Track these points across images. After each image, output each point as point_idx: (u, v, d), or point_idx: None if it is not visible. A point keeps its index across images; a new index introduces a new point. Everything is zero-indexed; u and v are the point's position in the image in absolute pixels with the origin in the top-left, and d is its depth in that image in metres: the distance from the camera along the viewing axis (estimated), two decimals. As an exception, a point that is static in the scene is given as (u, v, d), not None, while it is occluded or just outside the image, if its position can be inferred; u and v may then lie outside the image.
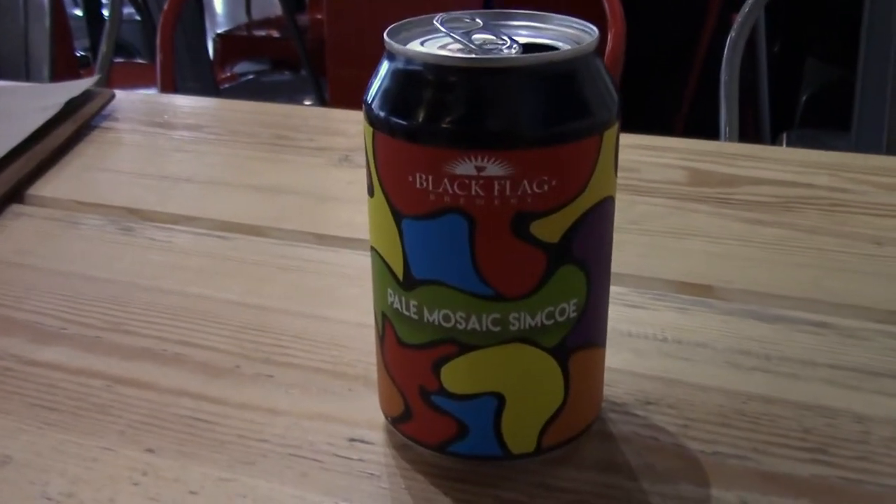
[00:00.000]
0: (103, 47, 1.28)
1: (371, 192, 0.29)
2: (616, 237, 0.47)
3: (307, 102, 2.05)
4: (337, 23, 1.16)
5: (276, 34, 2.73)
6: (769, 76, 1.46)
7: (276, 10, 2.22)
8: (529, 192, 0.26)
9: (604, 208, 0.28)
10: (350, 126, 0.65)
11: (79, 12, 2.89)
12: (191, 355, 0.38)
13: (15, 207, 0.53)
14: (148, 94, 0.75)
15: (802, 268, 0.45)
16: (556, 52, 0.27)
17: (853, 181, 0.54)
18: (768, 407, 0.34)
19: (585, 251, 0.28)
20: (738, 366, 0.37)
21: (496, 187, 0.26)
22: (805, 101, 2.21)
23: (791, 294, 0.42)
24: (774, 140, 1.70)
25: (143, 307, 0.42)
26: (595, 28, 0.28)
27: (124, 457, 0.32)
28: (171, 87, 1.07)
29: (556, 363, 0.29)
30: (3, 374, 0.37)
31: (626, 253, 0.46)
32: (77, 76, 1.99)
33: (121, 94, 0.71)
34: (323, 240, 0.48)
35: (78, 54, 2.42)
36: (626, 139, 0.63)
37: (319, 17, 2.21)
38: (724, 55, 0.99)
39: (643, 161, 0.57)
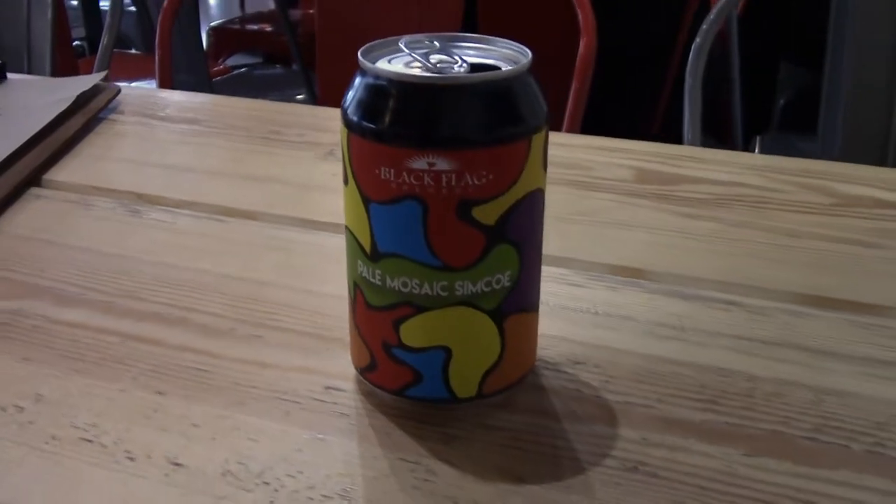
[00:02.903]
0: (104, 40, 1.34)
1: (346, 182, 0.36)
2: (566, 227, 0.54)
3: (298, 97, 2.11)
4: (327, 21, 1.22)
5: (268, 28, 2.79)
6: (744, 79, 1.53)
7: (269, 4, 2.28)
8: (471, 183, 0.33)
9: (533, 198, 0.35)
10: (336, 123, 0.71)
11: (75, 2, 2.94)
12: (193, 319, 0.44)
13: (34, 190, 0.59)
14: (150, 90, 0.81)
15: (724, 256, 0.51)
16: (495, 72, 0.34)
17: (780, 181, 0.60)
18: (675, 368, 0.41)
19: (517, 233, 0.35)
20: (656, 335, 0.43)
21: (444, 179, 0.33)
22: (782, 106, 2.28)
23: (710, 277, 0.49)
24: (748, 143, 1.77)
25: (151, 278, 0.48)
26: (529, 51, 0.35)
27: (138, 397, 0.39)
28: (168, 82, 1.13)
29: (493, 323, 0.36)
30: (33, 330, 0.44)
31: (573, 240, 0.53)
32: (75, 66, 2.05)
33: (125, 89, 0.77)
34: (308, 224, 0.55)
35: (74, 44, 2.47)
36: (583, 140, 0.70)
37: (311, 12, 2.27)
38: (689, 60, 1.06)
39: (596, 160, 0.64)
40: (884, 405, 0.38)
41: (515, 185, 0.34)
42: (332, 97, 1.20)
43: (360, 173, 0.34)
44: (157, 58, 1.12)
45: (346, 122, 0.35)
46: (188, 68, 1.92)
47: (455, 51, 0.36)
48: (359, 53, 0.35)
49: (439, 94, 0.33)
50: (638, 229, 0.55)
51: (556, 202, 0.57)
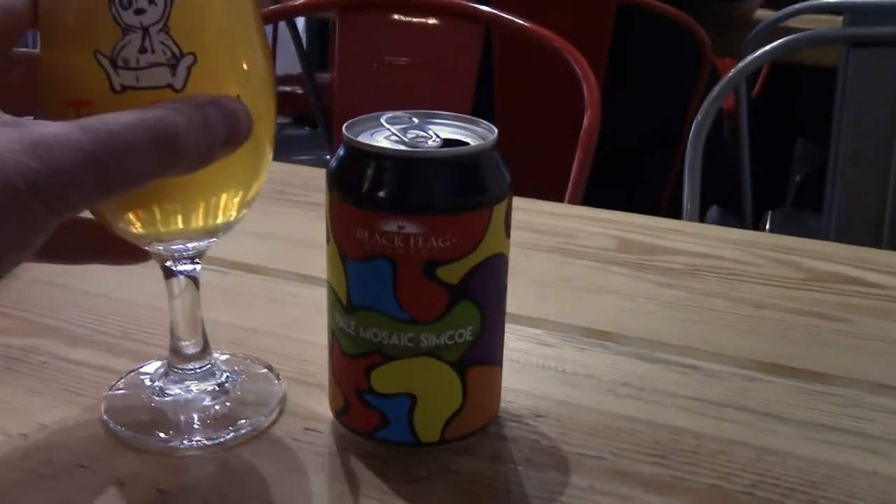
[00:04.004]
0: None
1: (328, 240, 0.40)
2: (545, 290, 0.57)
3: (327, 157, 2.18)
4: (345, 89, 1.28)
5: (298, 90, 2.88)
6: (760, 156, 1.57)
7: (299, 67, 2.36)
8: (436, 245, 0.37)
9: (495, 261, 0.39)
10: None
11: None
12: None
13: (54, 238, 0.64)
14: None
15: (691, 323, 0.55)
16: (462, 147, 0.38)
17: (755, 256, 0.64)
18: (631, 424, 0.44)
19: (479, 292, 0.38)
20: (616, 393, 0.46)
21: (412, 241, 0.37)
22: (797, 183, 2.31)
23: (674, 342, 0.52)
24: (759, 219, 1.80)
25: (153, 323, 0.52)
26: (495, 128, 0.39)
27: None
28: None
29: (455, 374, 0.39)
30: (41, 366, 0.47)
31: (550, 303, 0.56)
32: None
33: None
34: (305, 278, 0.59)
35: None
36: (573, 210, 0.74)
37: (338, 77, 2.33)
38: (689, 136, 1.10)
39: (583, 229, 0.68)
40: (820, 466, 0.41)
41: (477, 248, 0.38)
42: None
43: (339, 233, 0.38)
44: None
45: (329, 186, 0.39)
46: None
47: (431, 126, 0.40)
48: (343, 127, 0.39)
49: (410, 165, 0.37)
50: (612, 295, 0.58)
51: (539, 267, 0.61)
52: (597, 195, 1.10)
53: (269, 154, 0.40)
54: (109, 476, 0.39)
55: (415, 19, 1.24)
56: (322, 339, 0.48)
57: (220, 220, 0.39)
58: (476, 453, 0.41)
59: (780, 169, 2.33)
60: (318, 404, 0.44)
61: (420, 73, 1.22)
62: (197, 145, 0.33)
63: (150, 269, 0.59)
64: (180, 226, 0.39)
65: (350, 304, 0.39)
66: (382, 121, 0.40)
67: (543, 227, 0.68)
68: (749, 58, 1.10)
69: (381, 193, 0.37)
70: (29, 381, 0.46)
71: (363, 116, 0.40)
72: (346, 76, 1.27)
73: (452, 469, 0.40)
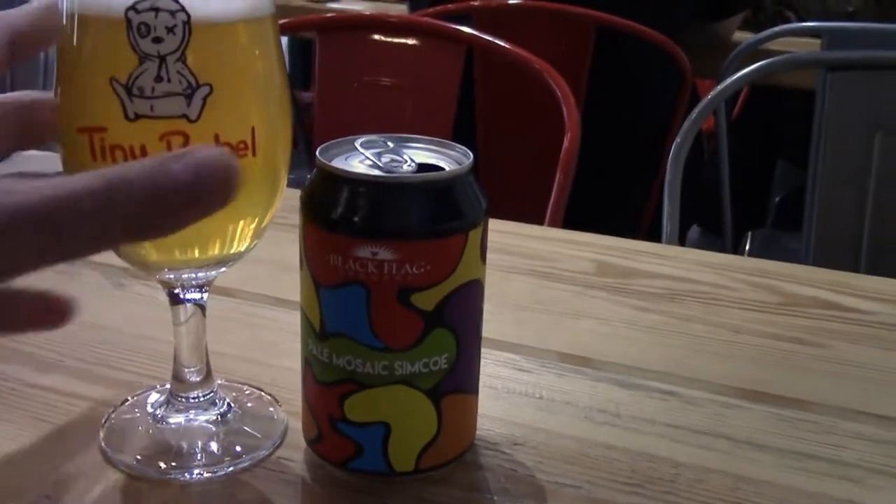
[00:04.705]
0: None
1: (301, 266, 0.39)
2: (522, 315, 0.57)
3: (308, 176, 2.17)
4: (324, 110, 1.28)
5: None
6: (741, 177, 1.58)
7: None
8: (411, 272, 0.36)
9: (471, 287, 0.38)
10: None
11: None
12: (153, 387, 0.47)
13: (27, 261, 0.63)
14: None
15: (669, 348, 0.54)
16: (436, 172, 0.37)
17: (732, 279, 0.64)
18: (608, 452, 0.43)
19: (454, 318, 0.38)
20: (593, 420, 0.46)
21: (386, 267, 0.36)
22: (777, 203, 2.32)
23: (653, 368, 0.51)
24: (739, 239, 1.80)
25: (128, 348, 0.51)
26: (471, 153, 0.39)
27: (101, 461, 0.41)
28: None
29: (430, 402, 0.39)
30: (10, 392, 0.46)
31: (527, 327, 0.56)
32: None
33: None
34: (281, 302, 0.58)
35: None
36: (552, 233, 0.74)
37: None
38: (669, 159, 1.11)
39: (562, 253, 0.67)
40: (797, 494, 0.41)
41: (453, 274, 0.37)
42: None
43: (312, 259, 0.38)
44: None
45: (303, 211, 0.38)
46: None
47: (406, 151, 0.40)
48: (317, 151, 0.39)
49: (384, 191, 0.36)
50: (590, 319, 0.58)
51: (517, 291, 0.61)
52: (577, 217, 1.10)
53: (284, 183, 0.40)
54: (76, 507, 0.38)
55: (395, 40, 1.24)
56: (297, 364, 0.48)
57: (233, 249, 0.39)
58: (451, 483, 0.40)
59: (759, 190, 2.34)
60: (291, 432, 0.43)
61: (400, 94, 1.22)
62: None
63: (126, 293, 0.59)
64: (195, 255, 0.38)
65: (323, 331, 0.38)
66: (357, 145, 0.40)
67: (522, 250, 0.68)
68: (728, 80, 1.10)
69: (355, 219, 0.36)
70: (-4, 408, 0.45)
71: (337, 140, 0.40)
72: (326, 96, 1.27)
73: (427, 499, 0.39)
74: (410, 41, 1.22)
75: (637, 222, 1.65)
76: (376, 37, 1.23)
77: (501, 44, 1.14)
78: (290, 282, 0.61)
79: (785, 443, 0.44)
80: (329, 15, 1.29)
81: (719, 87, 1.10)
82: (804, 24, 1.51)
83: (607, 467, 0.42)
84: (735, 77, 1.10)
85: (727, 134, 1.46)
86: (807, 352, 0.54)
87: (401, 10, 2.06)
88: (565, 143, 1.05)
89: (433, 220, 0.36)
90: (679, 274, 0.65)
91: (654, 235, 1.59)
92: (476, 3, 1.49)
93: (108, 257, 0.64)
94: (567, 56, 1.38)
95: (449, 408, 0.39)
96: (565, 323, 0.57)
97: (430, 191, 0.37)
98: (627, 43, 1.47)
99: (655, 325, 0.57)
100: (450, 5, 1.49)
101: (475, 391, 0.41)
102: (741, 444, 0.44)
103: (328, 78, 1.25)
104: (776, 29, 1.54)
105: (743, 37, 1.81)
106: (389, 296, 0.36)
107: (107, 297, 0.59)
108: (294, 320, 0.56)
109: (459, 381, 0.39)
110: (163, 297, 0.58)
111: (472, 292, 0.39)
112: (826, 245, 1.29)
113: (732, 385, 0.50)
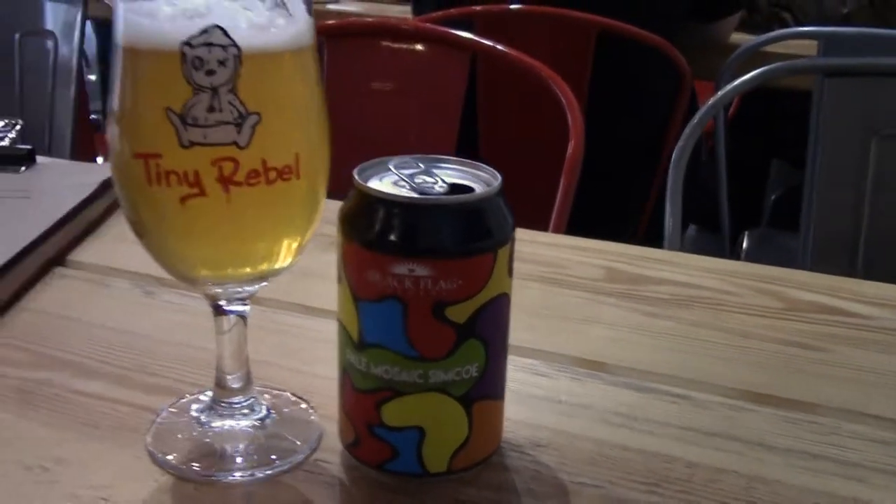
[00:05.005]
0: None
1: (339, 280, 0.42)
2: (536, 321, 0.59)
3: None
4: (333, 115, 1.30)
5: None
6: (736, 176, 1.60)
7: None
8: (444, 287, 0.39)
9: (499, 301, 0.41)
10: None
11: (93, 77, 3.06)
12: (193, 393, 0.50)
13: (59, 270, 0.65)
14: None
15: (679, 353, 0.57)
16: (469, 194, 0.40)
17: (737, 285, 0.66)
18: (625, 453, 0.46)
19: (485, 330, 0.41)
20: (610, 422, 0.49)
21: (422, 283, 0.39)
22: (772, 202, 2.35)
23: (664, 372, 0.54)
24: (736, 239, 1.83)
25: (162, 355, 0.54)
26: (499, 174, 0.41)
27: (149, 463, 0.44)
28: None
29: (462, 408, 0.41)
30: (55, 398, 0.49)
31: (542, 333, 0.58)
32: (92, 140, 2.13)
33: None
34: (307, 309, 0.60)
35: (90, 118, 2.56)
36: (562, 240, 0.76)
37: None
38: (671, 163, 1.13)
39: (571, 259, 0.70)
40: (807, 493, 0.43)
41: (483, 289, 0.40)
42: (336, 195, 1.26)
43: (351, 274, 0.40)
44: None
45: (341, 230, 0.41)
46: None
47: (437, 171, 0.42)
48: (354, 172, 0.41)
49: (420, 212, 0.39)
50: (602, 325, 0.60)
51: (530, 297, 0.63)
52: (575, 218, 1.13)
53: (323, 203, 0.42)
54: (130, 508, 0.41)
55: (403, 46, 1.26)
56: (326, 370, 0.50)
57: (277, 265, 0.41)
58: (481, 483, 0.43)
59: (755, 189, 2.37)
60: (329, 437, 0.46)
61: (406, 100, 1.24)
62: None
63: (156, 301, 0.61)
64: (244, 270, 0.41)
65: (361, 341, 0.41)
66: (390, 166, 0.42)
67: (533, 256, 0.70)
68: (727, 88, 1.13)
69: (394, 238, 0.39)
70: (43, 414, 0.48)
71: (372, 161, 0.42)
72: (334, 102, 1.29)
73: (459, 499, 0.42)
74: (418, 48, 1.24)
75: (635, 223, 1.68)
76: (384, 43, 1.25)
77: (509, 52, 1.16)
78: (317, 290, 0.63)
79: (792, 444, 0.47)
80: (338, 21, 1.31)
81: (719, 94, 1.13)
82: (802, 28, 1.54)
83: (625, 468, 0.45)
84: (734, 84, 1.13)
85: (724, 138, 1.49)
86: (810, 356, 0.57)
87: (399, 11, 2.09)
88: (570, 149, 1.07)
89: (466, 239, 0.39)
90: (686, 280, 0.67)
91: (651, 236, 1.62)
92: (478, 9, 1.51)
93: (136, 265, 0.66)
94: (568, 61, 1.40)
95: (478, 413, 0.42)
96: (578, 328, 0.60)
97: (463, 211, 0.39)
98: (626, 46, 1.50)
99: (664, 331, 0.60)
100: (452, 10, 1.51)
101: (502, 397, 0.44)
102: (751, 445, 0.47)
103: (336, 83, 1.27)
104: (774, 33, 1.56)
105: (740, 38, 1.84)
106: (425, 309, 0.39)
107: (137, 304, 0.61)
108: (320, 327, 0.58)
109: (488, 387, 0.42)
110: (191, 305, 0.60)
111: (501, 305, 0.41)
112: (823, 245, 1.32)
113: (740, 388, 0.52)
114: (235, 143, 0.37)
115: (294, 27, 0.38)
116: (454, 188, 0.41)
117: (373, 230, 0.39)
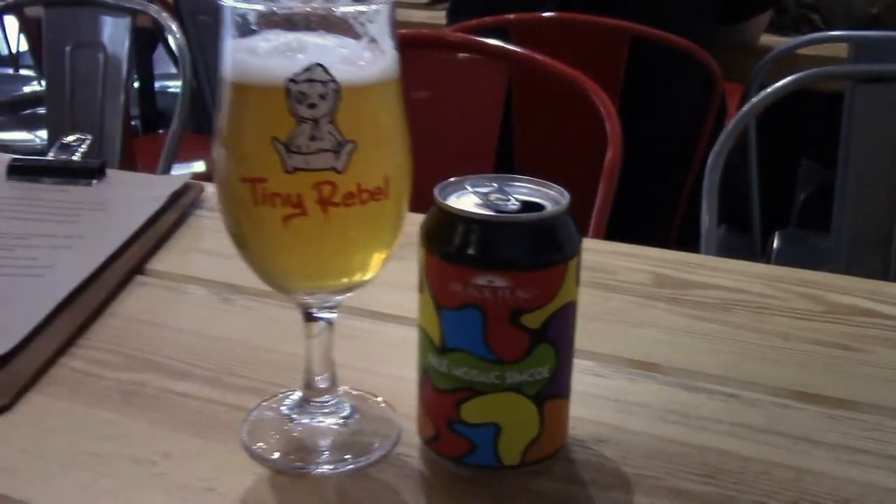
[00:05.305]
0: (175, 126, 1.47)
1: (421, 290, 0.46)
2: (591, 325, 0.63)
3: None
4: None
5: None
6: (766, 176, 1.63)
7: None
8: (520, 296, 0.43)
9: (568, 309, 0.45)
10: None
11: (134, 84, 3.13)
12: (279, 393, 0.54)
13: (139, 278, 0.70)
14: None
15: (726, 354, 0.60)
16: (541, 212, 0.44)
17: (779, 289, 0.70)
18: (681, 448, 0.50)
19: (555, 335, 0.44)
20: (665, 420, 0.52)
21: (499, 293, 0.43)
22: (802, 202, 2.37)
23: (714, 373, 0.58)
24: (766, 239, 1.85)
25: (244, 358, 0.58)
26: (567, 193, 0.45)
27: (246, 457, 0.48)
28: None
29: (534, 406, 0.45)
30: (154, 398, 0.53)
31: (597, 337, 0.62)
32: (132, 145, 2.19)
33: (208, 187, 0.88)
34: (373, 314, 0.64)
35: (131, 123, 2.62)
36: (610, 247, 0.80)
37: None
38: (706, 170, 1.16)
39: (620, 265, 0.74)
40: (851, 484, 0.47)
41: (555, 298, 0.44)
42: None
43: (434, 285, 0.44)
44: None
45: (424, 245, 0.45)
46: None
47: (509, 189, 0.46)
48: (434, 191, 0.45)
49: (500, 229, 0.43)
50: (653, 328, 0.64)
51: (584, 302, 0.67)
52: (610, 221, 1.16)
53: (405, 219, 0.46)
54: (235, 499, 0.45)
55: (441, 56, 1.30)
56: (395, 371, 0.55)
57: (365, 277, 0.45)
58: (551, 475, 0.47)
59: (784, 188, 2.38)
60: (407, 433, 0.50)
61: (445, 109, 1.28)
62: None
63: (234, 307, 0.65)
64: (336, 281, 0.45)
65: (443, 346, 0.45)
66: (467, 185, 0.46)
67: (585, 263, 0.73)
68: (761, 94, 1.16)
69: (475, 252, 0.43)
70: (145, 412, 0.52)
71: (450, 181, 0.46)
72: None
73: (531, 489, 0.46)
74: (456, 57, 1.28)
75: (668, 225, 1.71)
76: (423, 53, 1.29)
77: (548, 61, 1.20)
78: (382, 296, 0.67)
79: (837, 439, 0.50)
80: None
81: (753, 101, 1.16)
82: (832, 32, 1.56)
83: (682, 461, 0.49)
84: (768, 91, 1.16)
85: (755, 143, 1.52)
86: (851, 356, 0.60)
87: (426, 16, 2.13)
88: (608, 156, 1.11)
89: (541, 253, 0.43)
90: (729, 284, 0.71)
91: (684, 237, 1.65)
92: (512, 17, 1.55)
93: (210, 273, 0.71)
94: (601, 66, 1.43)
95: (549, 410, 0.46)
96: (630, 331, 0.63)
97: (536, 228, 0.43)
98: (658, 51, 1.53)
99: (711, 333, 0.63)
100: (486, 18, 1.55)
101: (568, 396, 0.48)
102: (798, 441, 0.50)
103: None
104: (805, 37, 1.59)
105: (768, 40, 1.86)
106: (502, 317, 0.43)
107: (216, 310, 0.65)
108: (387, 331, 0.63)
109: (557, 387, 0.46)
110: (266, 311, 0.65)
111: (570, 312, 0.45)
112: (856, 245, 1.34)
113: (786, 387, 0.56)
114: (334, 168, 0.41)
115: (384, 62, 0.42)
116: (526, 206, 0.45)
117: (454, 244, 0.43)
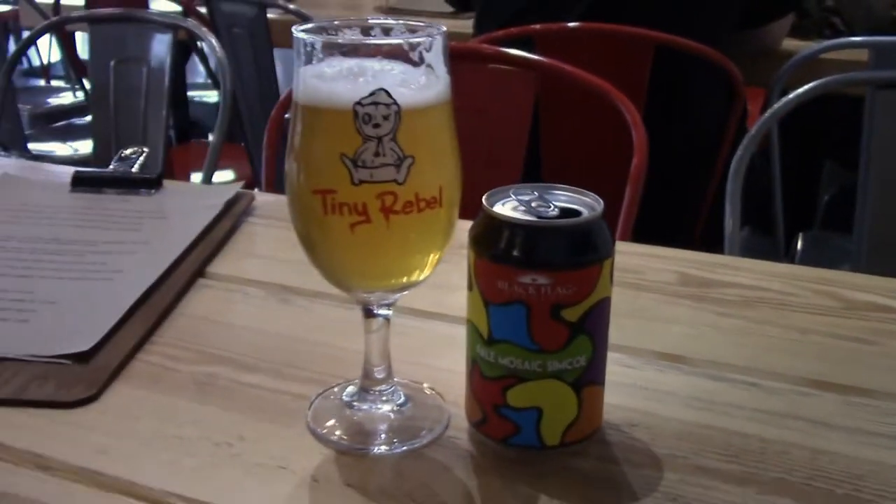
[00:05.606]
0: (215, 138, 1.53)
1: (470, 288, 0.51)
2: (622, 320, 0.68)
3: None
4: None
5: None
6: (789, 178, 1.66)
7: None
8: (561, 293, 0.48)
9: (603, 304, 0.50)
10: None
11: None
12: (338, 383, 0.59)
13: (202, 281, 0.75)
14: (277, 197, 0.97)
15: (748, 347, 0.65)
16: (579, 217, 0.49)
17: (798, 287, 0.74)
18: (707, 431, 0.54)
19: (592, 327, 0.49)
20: (691, 406, 0.57)
21: (542, 290, 0.48)
22: (825, 204, 2.39)
23: (736, 363, 0.62)
24: (790, 241, 1.88)
25: (304, 353, 0.63)
26: (601, 200, 0.50)
27: (312, 439, 0.53)
28: (272, 184, 1.30)
29: (573, 392, 0.50)
30: (226, 388, 0.59)
31: (627, 331, 0.67)
32: (169, 156, 2.26)
33: (245, 194, 0.94)
34: (416, 312, 0.70)
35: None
36: (637, 248, 0.84)
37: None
38: (730, 173, 1.21)
39: (647, 265, 0.78)
40: (863, 463, 0.51)
41: (592, 294, 0.49)
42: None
43: (482, 284, 0.50)
44: (264, 158, 1.30)
45: (473, 248, 0.50)
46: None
47: (549, 197, 0.51)
48: (483, 198, 0.50)
49: (540, 232, 0.48)
50: (679, 324, 0.69)
51: (615, 300, 0.72)
52: (636, 224, 1.20)
53: (456, 224, 0.52)
54: (306, 476, 0.50)
55: (475, 67, 1.35)
56: (442, 363, 0.60)
57: (420, 277, 0.50)
58: (589, 455, 0.52)
59: (807, 190, 2.40)
60: (456, 418, 0.55)
61: (478, 118, 1.33)
62: None
63: (291, 307, 0.71)
64: (395, 281, 0.50)
65: (490, 338, 0.50)
66: (511, 193, 0.51)
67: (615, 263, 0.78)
68: (783, 100, 1.20)
69: (519, 254, 0.48)
70: (219, 400, 0.58)
71: (496, 189, 0.51)
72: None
73: (571, 467, 0.51)
74: (486, 68, 1.33)
75: (691, 228, 1.74)
76: (462, 65, 1.34)
77: (575, 71, 1.25)
78: (430, 295, 0.72)
79: (852, 423, 0.55)
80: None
81: (775, 106, 1.20)
82: (853, 38, 1.60)
83: (708, 442, 0.53)
84: (790, 97, 1.20)
85: (778, 145, 1.55)
86: (866, 349, 0.65)
87: (449, 25, 2.18)
88: (634, 162, 1.15)
89: (579, 253, 0.48)
90: (751, 283, 0.75)
91: (707, 239, 1.69)
92: (538, 27, 1.60)
93: (266, 276, 0.76)
94: (626, 74, 1.48)
95: (586, 396, 0.51)
96: (658, 327, 0.68)
97: (574, 232, 0.48)
98: (681, 58, 1.57)
99: (735, 328, 0.68)
100: (513, 29, 1.60)
101: (603, 383, 0.53)
102: (816, 425, 0.55)
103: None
104: (826, 43, 1.62)
105: (789, 44, 1.89)
106: (544, 311, 0.48)
107: (275, 310, 0.71)
108: (430, 328, 0.68)
109: (594, 375, 0.51)
110: (319, 310, 0.70)
111: (605, 306, 0.50)
112: (878, 246, 1.38)
113: (804, 377, 0.61)
114: (395, 180, 0.46)
115: (439, 85, 0.48)
116: (564, 211, 0.50)
117: (502, 248, 0.48)
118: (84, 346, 0.62)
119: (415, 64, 0.47)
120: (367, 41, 0.46)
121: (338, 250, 0.49)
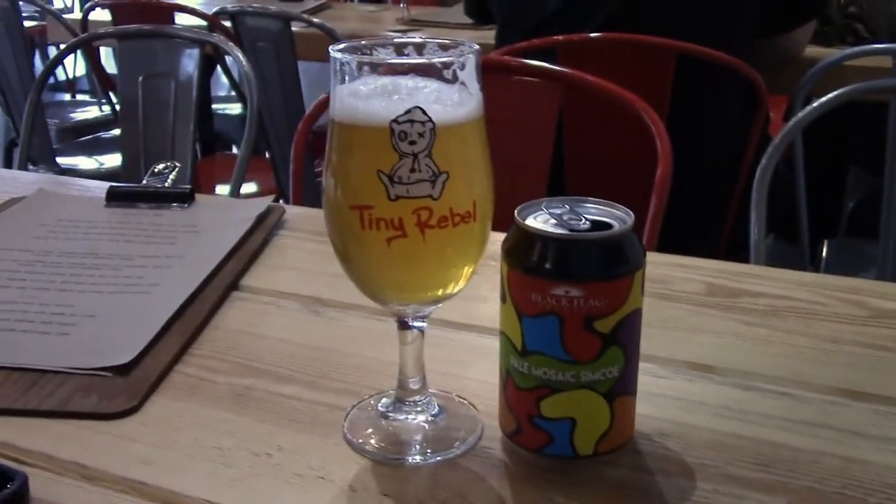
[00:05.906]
0: (243, 151, 1.55)
1: (503, 300, 0.52)
2: (651, 331, 0.69)
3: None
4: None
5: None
6: (814, 185, 1.66)
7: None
8: (593, 304, 0.49)
9: (634, 315, 0.50)
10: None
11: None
12: (372, 394, 0.60)
13: (236, 293, 0.77)
14: (307, 210, 0.99)
15: (777, 357, 0.66)
16: (610, 230, 0.50)
17: (826, 296, 0.75)
18: (737, 440, 0.55)
19: (624, 338, 0.50)
20: (722, 416, 0.58)
21: (575, 301, 0.48)
22: (850, 211, 2.38)
23: (766, 373, 0.63)
24: (815, 248, 1.88)
25: (338, 364, 0.65)
26: (632, 213, 0.51)
27: (349, 450, 0.54)
28: (299, 196, 1.32)
29: (605, 402, 0.51)
30: (262, 399, 0.60)
31: (657, 342, 0.68)
32: (195, 169, 2.29)
33: (280, 209, 0.95)
34: (447, 323, 0.71)
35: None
36: (665, 259, 0.85)
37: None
38: (755, 181, 1.21)
39: (675, 276, 0.79)
40: (893, 471, 0.52)
41: (623, 305, 0.49)
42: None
43: (515, 296, 0.50)
44: (291, 172, 1.32)
45: (506, 260, 0.51)
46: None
47: (580, 210, 0.52)
48: (515, 212, 0.51)
49: (572, 245, 0.49)
50: (707, 334, 0.69)
51: (643, 311, 0.73)
52: (661, 233, 1.21)
53: (489, 238, 0.53)
54: (343, 485, 0.51)
55: (497, 78, 1.36)
56: (473, 374, 0.61)
57: (454, 290, 0.52)
58: (621, 464, 0.52)
59: (832, 197, 2.39)
60: (490, 428, 0.56)
61: (504, 129, 1.35)
62: None
63: (323, 318, 0.72)
64: (430, 293, 0.51)
65: (524, 349, 0.51)
66: (543, 206, 0.52)
67: (641, 274, 0.79)
68: (807, 109, 1.20)
69: (552, 266, 0.49)
70: (257, 412, 0.59)
71: (528, 203, 0.52)
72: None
73: (603, 476, 0.52)
74: (514, 80, 1.34)
75: (717, 236, 1.74)
76: (488, 77, 1.35)
77: (599, 82, 1.26)
78: (462, 308, 0.73)
79: (882, 431, 0.55)
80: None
81: (800, 115, 1.21)
82: (876, 45, 1.60)
83: (739, 452, 0.54)
84: (814, 105, 1.20)
85: (802, 153, 1.55)
86: (894, 357, 0.65)
87: (468, 36, 2.19)
88: (659, 172, 1.16)
89: (611, 266, 0.49)
90: (779, 292, 0.76)
91: (732, 247, 1.69)
92: (560, 38, 1.61)
93: (299, 288, 0.78)
94: (649, 84, 1.48)
95: (618, 406, 0.51)
96: (687, 337, 0.69)
97: (606, 244, 0.49)
98: (703, 67, 1.57)
99: (763, 338, 0.68)
100: (535, 40, 1.61)
101: (635, 393, 0.53)
102: (847, 434, 0.55)
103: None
104: (850, 50, 1.63)
105: (813, 51, 1.89)
106: (577, 322, 0.49)
107: (308, 322, 0.72)
108: (462, 339, 0.69)
109: (626, 385, 0.52)
110: (352, 321, 0.71)
111: (636, 318, 0.51)
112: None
113: (834, 386, 0.61)
114: (430, 196, 0.47)
115: (472, 103, 0.49)
116: (595, 224, 0.51)
117: (534, 260, 0.49)
118: (124, 358, 0.63)
119: (448, 82, 0.48)
120: (403, 60, 0.48)
121: (374, 264, 0.51)
